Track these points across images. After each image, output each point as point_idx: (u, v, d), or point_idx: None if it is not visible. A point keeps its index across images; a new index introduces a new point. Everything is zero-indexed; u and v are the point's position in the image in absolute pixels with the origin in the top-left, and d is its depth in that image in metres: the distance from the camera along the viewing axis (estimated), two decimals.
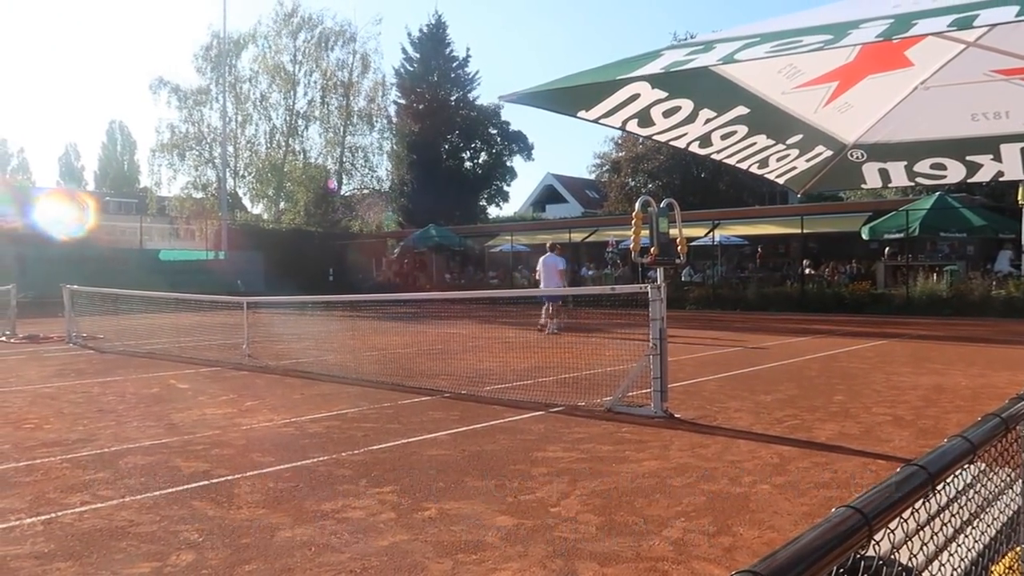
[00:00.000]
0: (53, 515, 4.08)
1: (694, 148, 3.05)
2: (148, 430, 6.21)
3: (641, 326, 7.12)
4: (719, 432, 6.09)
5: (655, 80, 2.26)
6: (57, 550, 3.58)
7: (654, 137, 2.80)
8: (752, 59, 2.02)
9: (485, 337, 14.34)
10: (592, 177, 44.63)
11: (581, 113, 2.39)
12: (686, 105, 2.55)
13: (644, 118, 2.59)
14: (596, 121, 2.55)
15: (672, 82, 2.32)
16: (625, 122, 2.60)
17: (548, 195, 56.09)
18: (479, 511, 4.12)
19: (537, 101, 2.36)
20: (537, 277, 15.76)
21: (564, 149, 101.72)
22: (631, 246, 7.49)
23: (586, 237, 27.90)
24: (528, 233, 30.14)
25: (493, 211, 43.58)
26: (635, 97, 2.44)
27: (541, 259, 15.58)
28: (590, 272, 26.33)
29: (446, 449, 5.58)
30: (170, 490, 4.53)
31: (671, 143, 2.98)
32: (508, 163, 43.05)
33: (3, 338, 13.85)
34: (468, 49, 47.03)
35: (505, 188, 43.76)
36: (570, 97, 2.35)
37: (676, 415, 6.57)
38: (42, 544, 3.66)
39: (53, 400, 7.65)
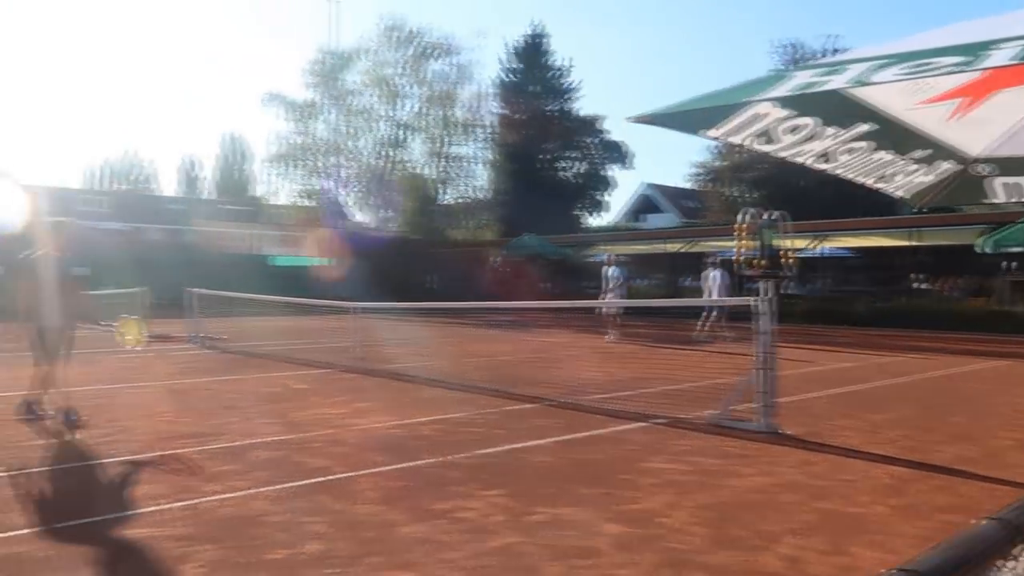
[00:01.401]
0: (194, 501, 4.42)
1: (815, 163, 3.07)
2: (270, 426, 6.60)
3: (745, 339, 7.03)
4: (829, 450, 5.95)
5: (784, 100, 2.31)
6: (198, 534, 3.90)
7: (777, 153, 2.83)
8: (884, 82, 2.04)
9: (582, 346, 14.41)
10: (689, 186, 43.99)
11: (708, 132, 2.46)
12: (812, 123, 2.58)
13: (768, 135, 2.64)
14: (717, 139, 2.62)
15: (800, 102, 2.37)
16: (748, 139, 2.66)
17: (644, 205, 55.62)
18: (589, 518, 4.20)
19: (664, 121, 2.45)
20: (607, 289, 15.77)
21: (659, 158, 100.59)
22: (734, 257, 7.42)
23: (684, 248, 27.53)
24: (624, 243, 30.01)
25: (589, 221, 43.58)
26: (761, 116, 2.49)
27: (606, 270, 15.75)
28: (687, 283, 25.96)
29: (552, 456, 5.69)
30: (295, 483, 4.82)
31: (791, 159, 3.01)
32: (604, 173, 42.94)
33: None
34: (570, 59, 47.27)
35: (600, 198, 43.65)
36: (698, 117, 2.43)
37: (784, 431, 6.45)
38: (185, 528, 3.99)
39: (183, 396, 8.22)
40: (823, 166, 3.13)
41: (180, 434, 6.22)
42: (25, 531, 3.90)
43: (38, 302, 6.58)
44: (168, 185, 74.42)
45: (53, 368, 6.64)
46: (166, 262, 24.11)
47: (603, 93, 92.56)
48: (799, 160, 3.03)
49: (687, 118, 2.44)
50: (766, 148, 2.79)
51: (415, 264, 30.71)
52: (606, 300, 15.11)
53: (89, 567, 3.45)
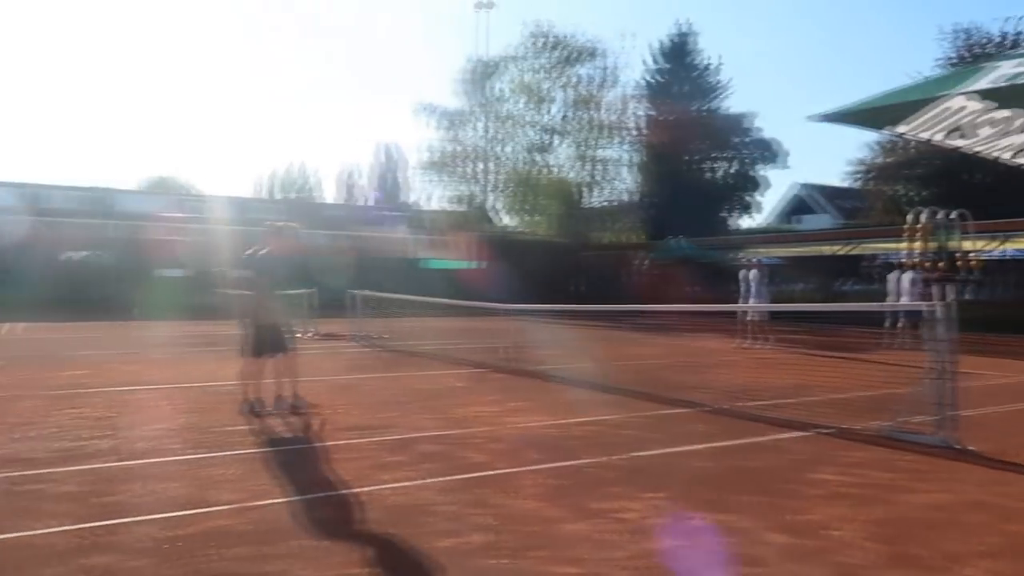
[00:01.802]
0: (369, 489, 4.74)
1: (1014, 158, 2.87)
2: (432, 421, 6.91)
3: (918, 347, 6.59)
4: (1019, 469, 5.48)
5: (985, 93, 2.19)
6: (377, 518, 4.18)
7: (971, 148, 2.68)
8: None
9: (733, 351, 13.99)
10: (847, 185, 41.49)
11: (896, 128, 2.37)
12: (1015, 115, 2.42)
13: (962, 130, 2.50)
14: (903, 136, 2.51)
15: (1006, 94, 2.23)
16: (939, 134, 2.53)
17: (797, 206, 53.06)
18: (752, 526, 4.11)
19: (848, 118, 2.39)
20: (750, 293, 15.13)
21: (812, 157, 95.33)
22: (904, 260, 6.94)
23: (843, 250, 26.00)
24: (777, 245, 28.78)
25: (739, 223, 42.11)
26: (954, 110, 2.37)
27: (746, 273, 15.18)
28: (846, 288, 24.51)
29: (710, 461, 5.60)
30: (459, 476, 5.04)
31: (986, 154, 2.83)
32: (754, 173, 41.33)
33: (308, 335, 16.03)
34: (719, 56, 45.85)
35: (749, 199, 42.03)
36: (885, 114, 2.35)
37: (964, 447, 5.99)
38: (365, 512, 4.28)
39: (351, 390, 8.76)
40: (1022, 160, 2.92)
41: (353, 426, 6.65)
42: (224, 507, 4.32)
43: (259, 299, 7.18)
44: (331, 193, 79.16)
45: (267, 362, 7.21)
46: (329, 265, 25.70)
47: (754, 90, 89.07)
48: (994, 155, 2.85)
49: (874, 115, 2.36)
50: (958, 143, 2.65)
51: (561, 267, 30.95)
52: (751, 304, 14.64)
53: (279, 543, 3.79)
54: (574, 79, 37.35)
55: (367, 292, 15.85)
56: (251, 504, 4.37)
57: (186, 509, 4.28)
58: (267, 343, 7.18)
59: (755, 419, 7.29)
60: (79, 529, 3.92)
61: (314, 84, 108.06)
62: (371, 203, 73.66)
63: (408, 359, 12.39)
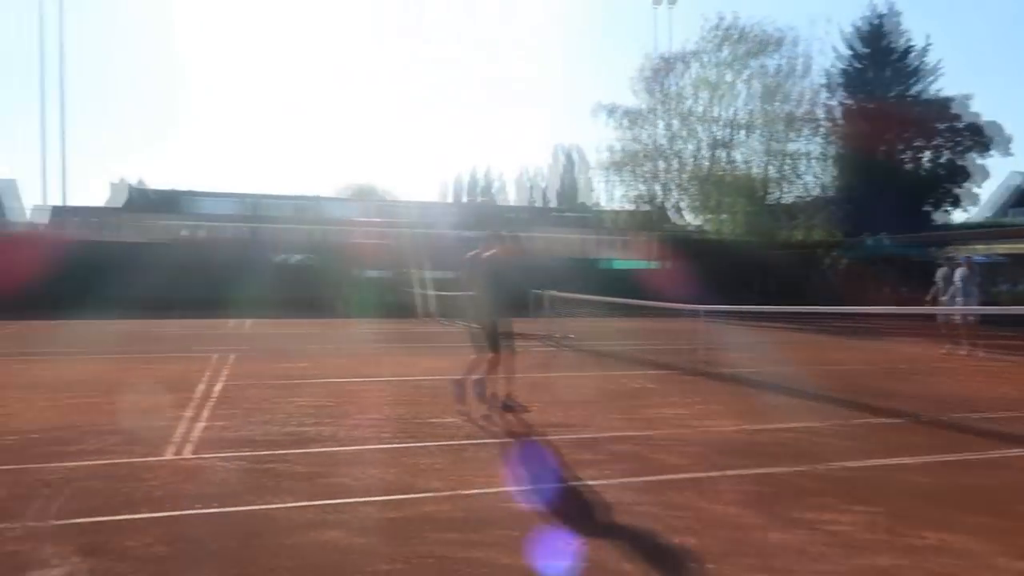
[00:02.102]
0: (570, 485, 4.86)
1: None
2: (624, 422, 6.94)
3: None
4: None
5: None
6: (578, 514, 4.28)
7: None
8: None
9: (944, 358, 12.79)
10: None
11: None
12: None
13: None
14: None
15: None
16: None
17: (1018, 197, 47.44)
18: (983, 549, 3.78)
19: None
20: (954, 294, 13.59)
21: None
22: None
23: None
24: (995, 241, 25.90)
25: (944, 216, 38.26)
26: None
27: (949, 271, 13.66)
28: None
29: (927, 476, 5.19)
30: (656, 478, 5.04)
31: None
32: (963, 163, 37.34)
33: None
34: (928, 37, 41.94)
35: (959, 190, 38.05)
36: None
37: None
38: (566, 508, 4.40)
39: (543, 388, 8.95)
40: None
41: (549, 423, 6.84)
42: (434, 494, 4.61)
43: (484, 298, 7.50)
44: (512, 195, 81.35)
45: (496, 357, 7.48)
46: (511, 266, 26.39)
47: (971, 71, 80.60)
48: None
49: None
50: None
51: (746, 267, 29.75)
52: (956, 307, 13.28)
53: (485, 531, 3.98)
54: (760, 71, 35.78)
55: (551, 292, 16.15)
56: (458, 492, 4.64)
57: (400, 493, 4.61)
58: (489, 341, 7.45)
59: (975, 432, 6.65)
60: (311, 506, 4.35)
61: (496, 90, 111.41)
62: (551, 204, 74.79)
63: (594, 359, 12.49)
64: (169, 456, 5.48)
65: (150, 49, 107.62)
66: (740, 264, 29.88)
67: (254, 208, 46.14)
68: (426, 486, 4.77)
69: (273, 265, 28.37)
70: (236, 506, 4.33)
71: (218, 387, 8.77)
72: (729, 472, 5.22)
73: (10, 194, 59.72)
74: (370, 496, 4.57)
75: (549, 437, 6.28)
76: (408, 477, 4.99)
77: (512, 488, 4.79)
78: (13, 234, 41.50)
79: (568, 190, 78.01)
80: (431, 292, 25.16)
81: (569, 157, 79.85)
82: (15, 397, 7.92)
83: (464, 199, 79.80)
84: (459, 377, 7.61)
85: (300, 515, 4.19)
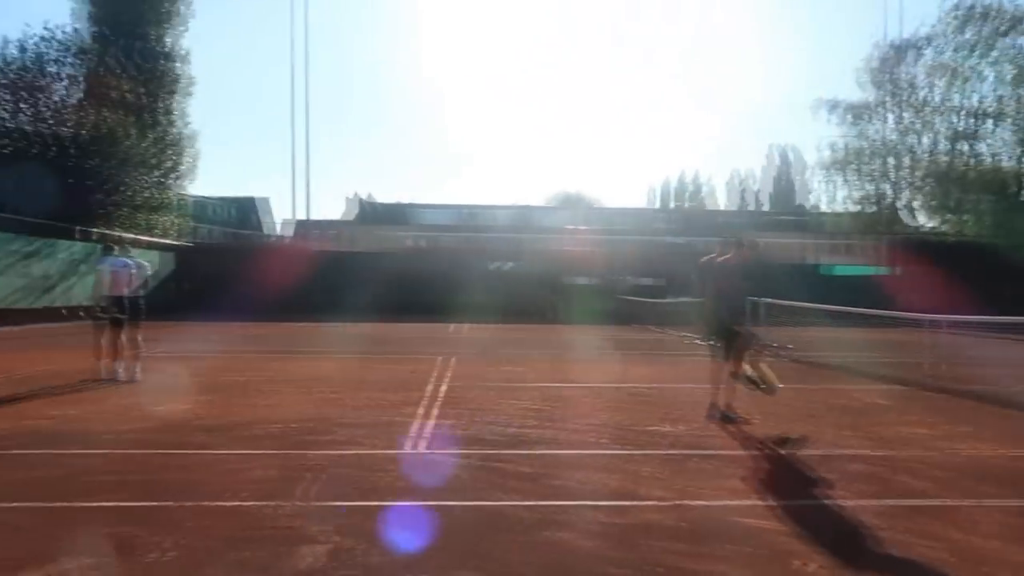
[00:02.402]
0: (800, 502, 4.63)
1: None
2: (855, 439, 6.47)
3: None
4: None
5: None
6: (812, 535, 4.05)
7: None
8: None
9: None
10: None
11: None
12: None
13: None
14: None
15: None
16: None
17: None
18: None
19: None
20: None
21: None
22: None
23: None
24: None
25: None
26: None
27: None
28: None
29: None
30: (899, 502, 4.65)
31: None
32: None
33: (698, 341, 16.17)
34: None
35: None
36: None
37: None
38: (799, 526, 4.19)
39: (763, 401, 8.52)
40: None
41: (773, 437, 6.55)
42: (656, 503, 4.59)
43: (720, 305, 7.35)
44: (722, 199, 78.80)
45: (734, 365, 7.32)
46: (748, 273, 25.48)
47: None
48: None
49: None
50: None
51: (995, 272, 26.52)
52: None
53: (713, 544, 3.90)
54: (1010, 51, 31.73)
55: (769, 300, 15.41)
56: (683, 503, 4.58)
57: (623, 500, 4.64)
58: (725, 349, 7.30)
59: None
60: (539, 506, 4.51)
61: (703, 92, 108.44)
62: (764, 208, 71.45)
63: (817, 371, 11.77)
64: (407, 450, 5.93)
65: (380, 76, 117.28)
66: (987, 269, 26.71)
67: (470, 218, 48.61)
68: (649, 494, 4.76)
69: (487, 272, 29.68)
70: (470, 500, 4.59)
71: (443, 387, 9.34)
72: (987, 502, 4.69)
73: (264, 210, 67.77)
74: (594, 500, 4.64)
75: (775, 452, 6.02)
76: (630, 484, 5.01)
77: (739, 502, 4.65)
78: (266, 245, 46.97)
79: (782, 192, 74.09)
80: (641, 299, 25.00)
81: (784, 157, 75.93)
82: (274, 390, 8.97)
83: (671, 204, 78.47)
84: (717, 386, 7.40)
85: (529, 514, 4.35)
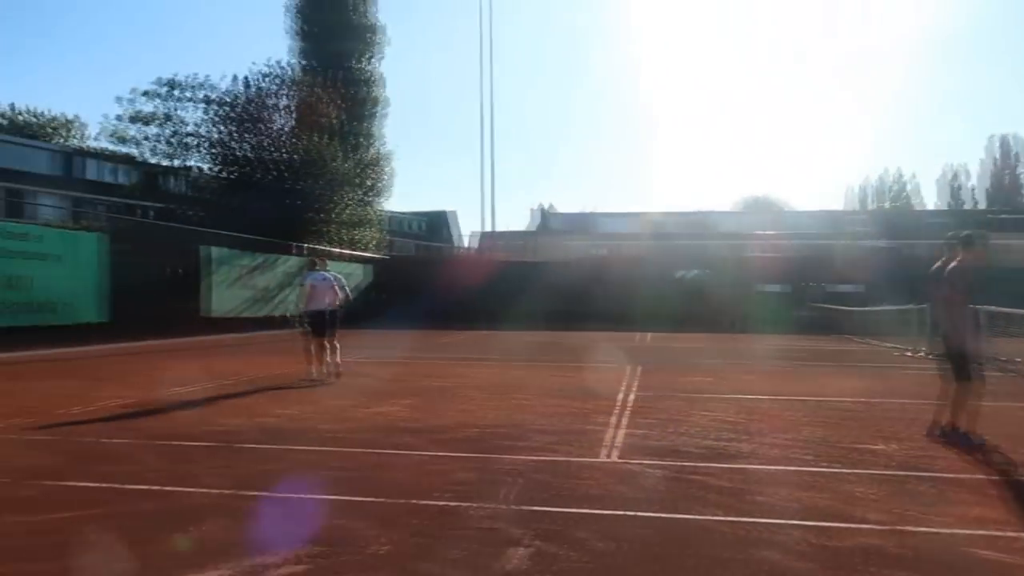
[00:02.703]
0: None
1: None
2: None
3: None
4: None
5: None
6: None
7: None
8: None
9: None
10: None
11: None
12: None
13: None
14: None
15: None
16: None
17: None
18: None
19: None
20: None
21: None
22: None
23: None
24: None
25: None
26: None
27: None
28: None
29: None
30: None
31: None
32: None
33: (908, 354, 14.88)
34: None
35: None
36: None
37: None
38: None
39: (992, 420, 7.64)
40: None
41: (1007, 461, 5.89)
42: (872, 526, 4.26)
43: (949, 316, 6.58)
44: (929, 198, 72.14)
45: (966, 386, 6.46)
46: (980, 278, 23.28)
47: None
48: None
49: None
50: None
51: None
52: None
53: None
54: None
55: (992, 309, 13.87)
56: (904, 528, 4.21)
57: (834, 521, 4.35)
58: (956, 366, 6.51)
59: None
60: (741, 522, 4.33)
61: (908, 84, 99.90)
62: (981, 206, 64.64)
63: None
64: (600, 459, 5.94)
65: (562, 88, 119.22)
66: None
67: (652, 226, 48.03)
68: (862, 516, 4.43)
69: (669, 280, 29.15)
70: (668, 513, 4.51)
71: (631, 396, 9.27)
72: None
73: (453, 223, 71.08)
74: (801, 520, 4.38)
75: (1009, 475, 5.39)
76: (839, 504, 4.69)
77: (971, 531, 4.20)
78: (451, 257, 49.12)
79: (1008, 188, 66.40)
80: (839, 307, 23.45)
81: (1007, 149, 68.08)
82: (467, 396, 9.34)
83: (870, 205, 72.77)
84: (941, 403, 6.77)
85: (731, 530, 4.19)
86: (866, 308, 22.92)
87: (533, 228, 59.59)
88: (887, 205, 70.08)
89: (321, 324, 10.83)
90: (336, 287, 11.04)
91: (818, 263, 31.32)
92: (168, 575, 3.47)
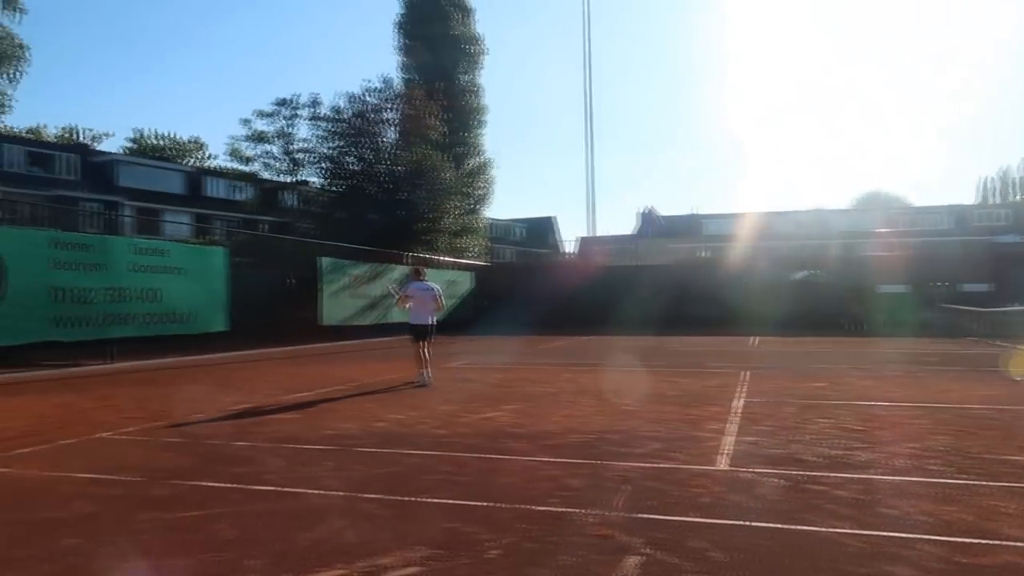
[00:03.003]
0: None
1: None
2: None
3: None
4: None
5: None
6: None
7: None
8: None
9: None
10: None
11: None
12: None
13: None
14: None
15: None
16: None
17: None
18: None
19: None
20: None
21: None
22: None
23: None
24: None
25: None
26: None
27: None
28: None
29: None
30: None
31: None
32: None
33: None
34: None
35: None
36: None
37: None
38: None
39: None
40: None
41: None
42: (1015, 543, 3.96)
43: None
44: None
45: None
46: None
47: None
48: None
49: None
50: None
51: None
52: None
53: None
54: None
55: None
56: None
57: (968, 536, 4.07)
58: None
59: None
60: (866, 535, 4.12)
61: None
62: None
63: None
64: (709, 466, 5.79)
65: (664, 88, 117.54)
66: None
67: (760, 225, 46.49)
68: (1001, 532, 4.13)
69: (778, 282, 28.15)
70: (786, 524, 4.34)
71: (740, 402, 9.00)
72: None
73: (554, 228, 71.29)
74: (932, 535, 4.13)
75: None
76: (972, 518, 4.39)
77: None
78: (552, 263, 49.20)
79: None
80: (967, 308, 21.99)
81: None
82: (572, 401, 9.31)
83: (999, 198, 67.79)
84: None
85: (857, 543, 4.00)
86: (996, 308, 21.39)
87: (636, 231, 58.94)
88: (1018, 197, 65.16)
89: (424, 334, 11.48)
90: (436, 296, 11.48)
91: (943, 261, 29.50)
92: (288, 574, 3.63)
